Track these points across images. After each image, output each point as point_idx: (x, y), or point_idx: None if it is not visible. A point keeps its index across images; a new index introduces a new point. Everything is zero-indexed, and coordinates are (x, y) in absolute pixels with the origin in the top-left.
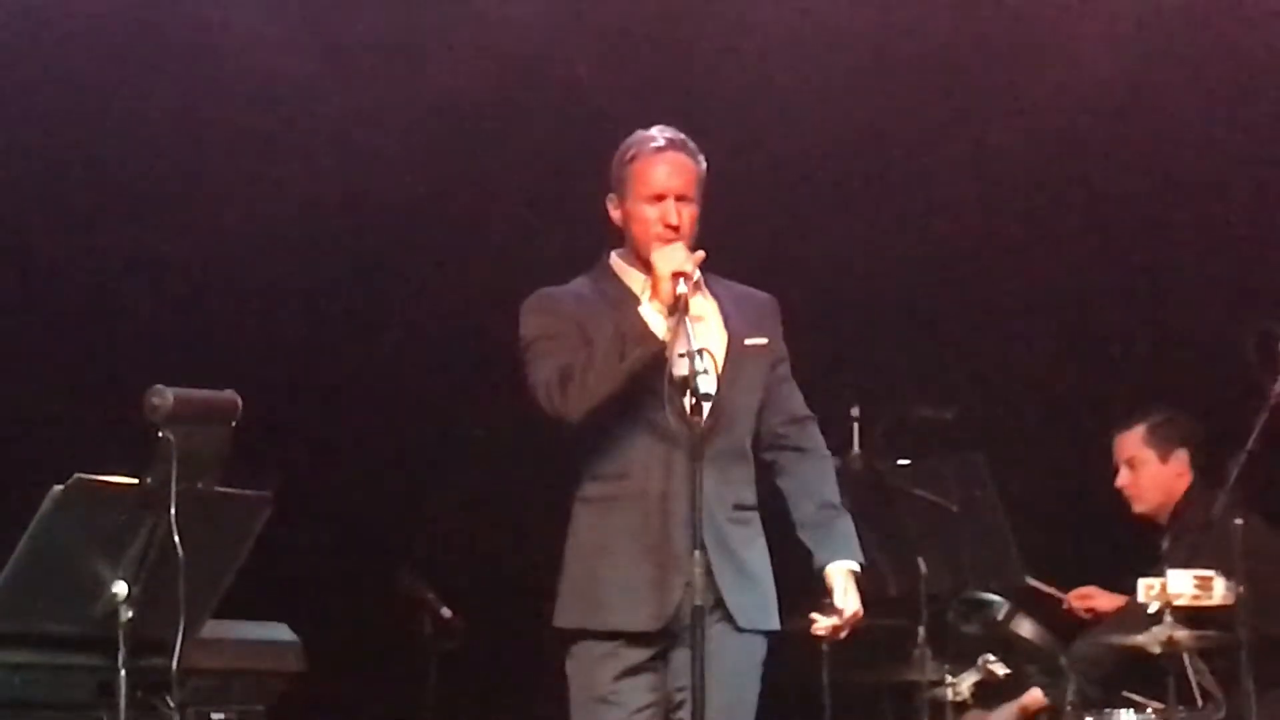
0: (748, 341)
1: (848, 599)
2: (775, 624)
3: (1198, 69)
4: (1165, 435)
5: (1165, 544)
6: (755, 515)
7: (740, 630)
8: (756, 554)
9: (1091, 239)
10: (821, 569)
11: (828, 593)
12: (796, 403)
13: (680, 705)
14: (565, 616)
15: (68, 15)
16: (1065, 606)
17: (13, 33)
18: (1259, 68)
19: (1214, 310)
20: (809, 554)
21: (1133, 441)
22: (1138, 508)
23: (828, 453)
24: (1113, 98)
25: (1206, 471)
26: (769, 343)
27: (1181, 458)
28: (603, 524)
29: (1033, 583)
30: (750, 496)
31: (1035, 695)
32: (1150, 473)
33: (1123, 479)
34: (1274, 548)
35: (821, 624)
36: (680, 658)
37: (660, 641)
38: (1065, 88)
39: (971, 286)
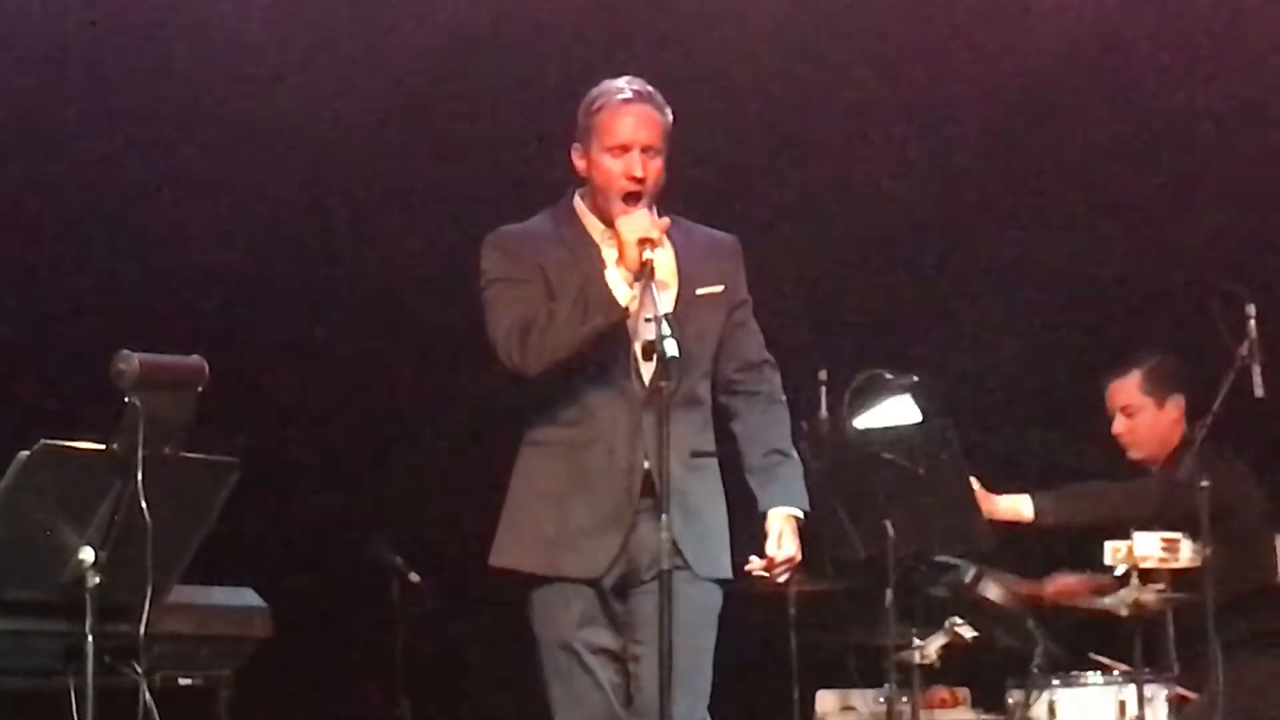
0: (700, 291)
1: (782, 544)
2: (729, 572)
3: (1161, 23)
4: (1160, 380)
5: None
6: (713, 462)
7: (697, 579)
8: (712, 502)
9: (1059, 201)
10: (764, 514)
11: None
12: (752, 347)
13: (636, 659)
14: (503, 555)
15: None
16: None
17: None
18: (1223, 20)
19: (1183, 269)
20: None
21: (1128, 388)
22: (1134, 454)
23: (782, 398)
24: (1078, 55)
25: (1201, 414)
26: (725, 290)
27: (1178, 402)
28: (552, 469)
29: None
30: (706, 443)
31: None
32: (1147, 419)
33: (1118, 426)
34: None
35: (754, 564)
36: (635, 609)
37: (610, 589)
38: (1030, 44)
39: (938, 252)
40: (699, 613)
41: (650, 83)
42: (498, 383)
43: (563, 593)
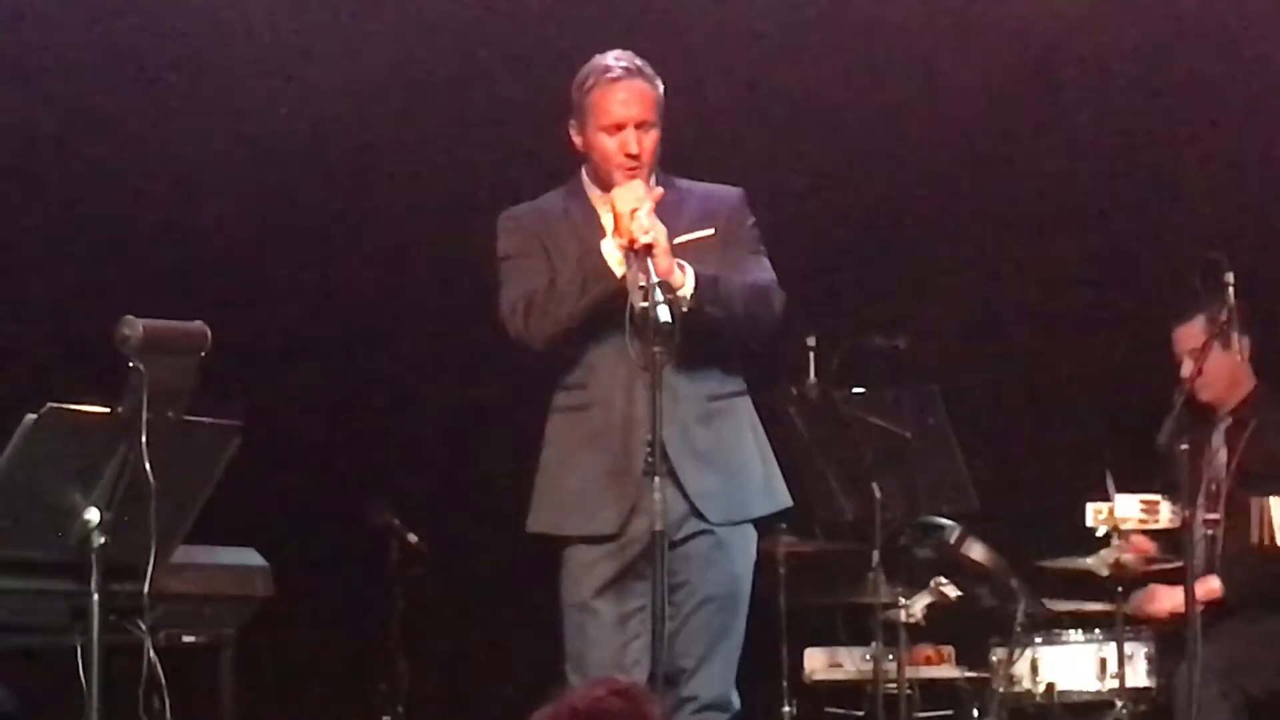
0: (677, 240)
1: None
2: (753, 512)
3: (1154, 15)
4: (1224, 323)
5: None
6: (735, 400)
7: (721, 534)
8: (738, 443)
9: (1046, 173)
10: None
11: None
12: (746, 269)
13: (671, 618)
14: (534, 520)
15: None
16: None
17: None
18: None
19: (1164, 239)
20: None
21: (1193, 332)
22: (1204, 396)
23: (769, 286)
24: (1066, 33)
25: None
26: (715, 231)
27: (1244, 344)
28: (569, 433)
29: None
30: (723, 385)
31: (1211, 585)
32: (1215, 359)
33: (1187, 369)
34: None
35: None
36: (672, 566)
37: (634, 548)
38: (1023, 22)
39: (925, 221)
40: (728, 561)
41: (648, 56)
42: (494, 350)
43: (586, 553)
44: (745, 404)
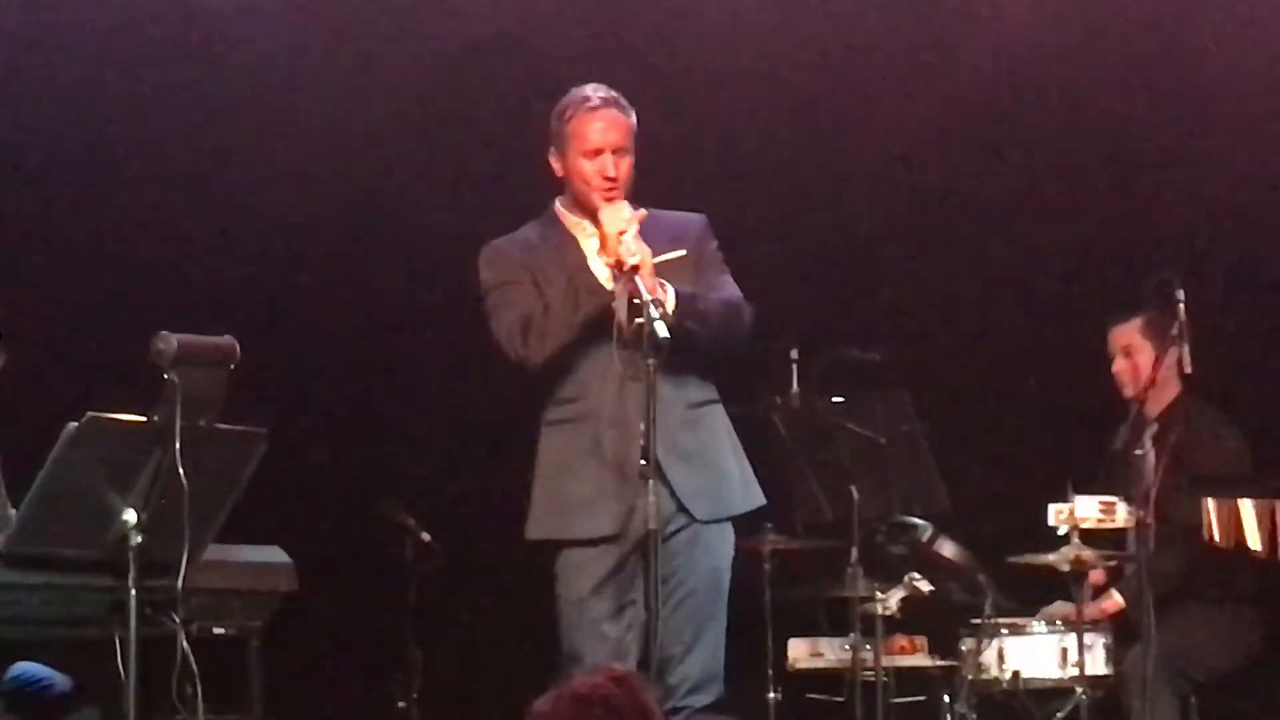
0: (656, 259)
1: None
2: (736, 509)
3: (1107, 39)
4: (1160, 328)
5: (1151, 433)
6: (712, 406)
7: (705, 523)
8: (717, 445)
9: (1008, 198)
10: None
11: None
12: (718, 287)
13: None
14: (534, 529)
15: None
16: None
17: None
18: (1164, 38)
19: (1125, 255)
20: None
21: (1129, 331)
22: (1128, 392)
23: (740, 303)
24: (1030, 66)
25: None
26: (686, 252)
27: (1174, 352)
28: (563, 444)
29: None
30: (701, 392)
31: (1115, 599)
32: (1145, 361)
33: (1118, 366)
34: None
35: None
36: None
37: (626, 546)
38: (989, 57)
39: (897, 245)
40: (712, 555)
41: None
42: (500, 366)
43: (581, 555)
44: (720, 411)
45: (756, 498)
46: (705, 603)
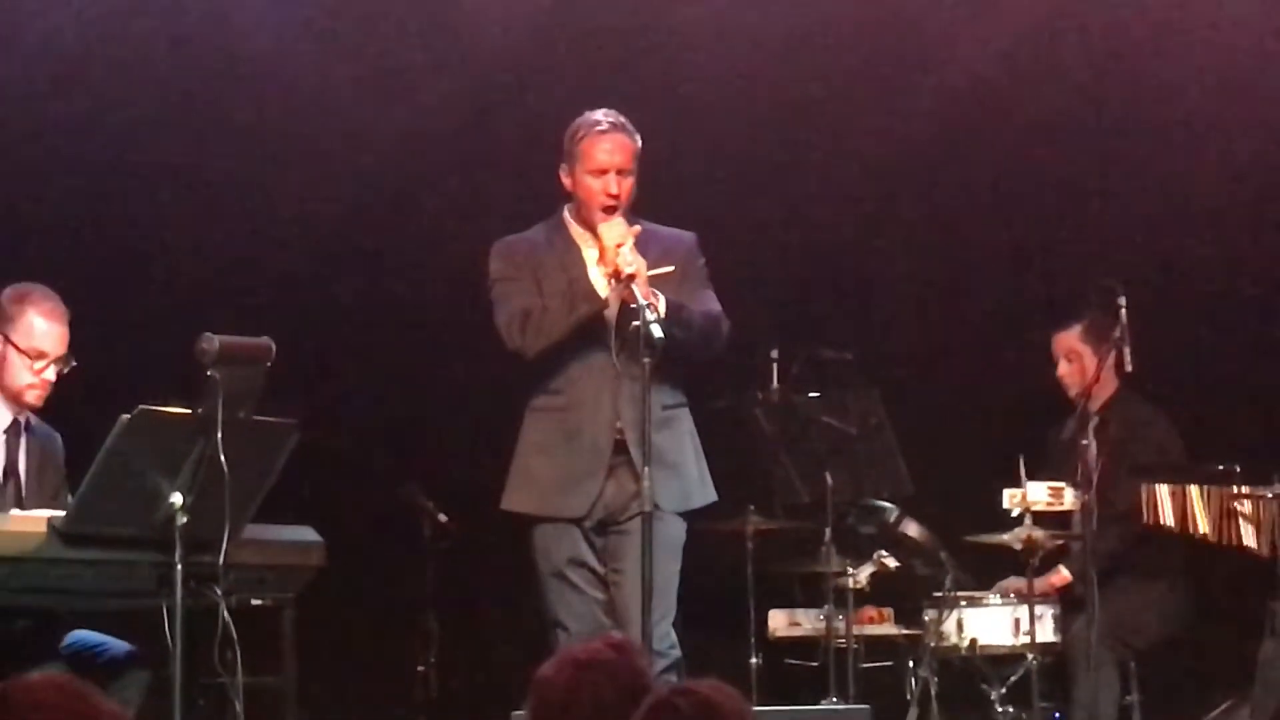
0: (650, 271)
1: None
2: (693, 503)
3: (1061, 70)
4: (1098, 332)
5: (1093, 425)
6: (681, 410)
7: (666, 516)
8: (682, 447)
9: (970, 213)
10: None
11: None
12: (701, 300)
13: (616, 584)
14: (509, 500)
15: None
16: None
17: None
18: (1112, 69)
19: (1074, 265)
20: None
21: (1070, 338)
22: (1072, 393)
23: (720, 315)
24: (987, 94)
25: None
26: (675, 267)
27: (1126, 354)
28: (545, 428)
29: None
30: (672, 396)
31: (1062, 574)
32: (1086, 365)
33: (1061, 369)
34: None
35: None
36: (615, 544)
37: (591, 528)
38: (948, 84)
39: (869, 253)
40: (668, 541)
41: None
42: (507, 362)
43: (555, 531)
44: (687, 414)
45: (711, 494)
46: (662, 575)
